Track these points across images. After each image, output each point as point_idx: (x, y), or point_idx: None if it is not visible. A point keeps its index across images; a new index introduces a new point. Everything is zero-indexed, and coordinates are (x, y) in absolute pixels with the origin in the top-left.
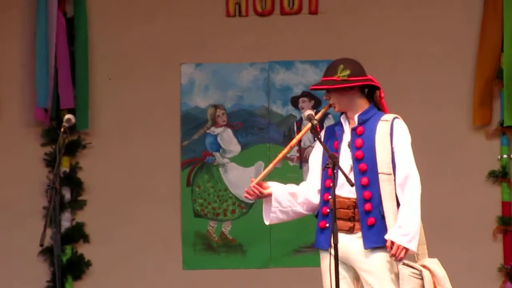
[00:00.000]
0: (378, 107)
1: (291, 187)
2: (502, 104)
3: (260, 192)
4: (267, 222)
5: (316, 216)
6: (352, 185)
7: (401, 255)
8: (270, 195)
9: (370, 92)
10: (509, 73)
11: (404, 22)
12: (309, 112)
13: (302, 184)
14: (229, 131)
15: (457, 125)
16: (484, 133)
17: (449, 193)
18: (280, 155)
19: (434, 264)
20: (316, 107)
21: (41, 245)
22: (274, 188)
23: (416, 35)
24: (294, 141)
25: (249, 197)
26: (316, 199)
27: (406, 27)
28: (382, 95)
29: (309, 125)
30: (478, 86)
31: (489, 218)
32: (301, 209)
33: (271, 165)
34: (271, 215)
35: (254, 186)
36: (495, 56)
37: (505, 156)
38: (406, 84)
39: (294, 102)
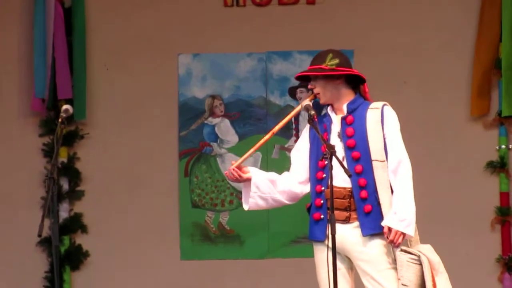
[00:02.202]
0: (363, 98)
1: (271, 174)
2: (500, 94)
3: (239, 175)
4: (246, 208)
5: (308, 209)
6: (350, 175)
7: (399, 241)
8: (249, 179)
9: (355, 86)
10: (507, 63)
11: (402, 12)
12: (306, 102)
13: (285, 174)
14: (226, 122)
15: (455, 116)
16: (482, 123)
17: (447, 184)
18: (262, 141)
19: (428, 250)
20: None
21: (39, 235)
22: (254, 173)
23: (414, 25)
24: (277, 128)
25: (229, 178)
26: (298, 189)
27: (404, 17)
28: (367, 89)
29: (295, 110)
30: (476, 76)
31: (487, 209)
32: (281, 198)
33: (251, 150)
34: (250, 200)
35: (233, 169)
36: (493, 46)
37: (503, 146)
38: (403, 74)
39: (292, 92)
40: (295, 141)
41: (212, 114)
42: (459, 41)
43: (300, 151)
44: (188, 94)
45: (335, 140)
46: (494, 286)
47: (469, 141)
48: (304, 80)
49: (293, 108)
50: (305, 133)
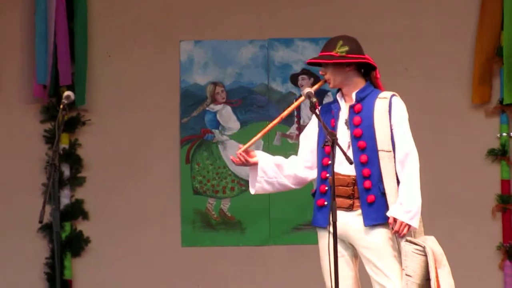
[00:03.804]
0: (374, 86)
1: (278, 158)
2: (502, 82)
3: (246, 160)
4: (252, 192)
5: (313, 195)
6: (351, 163)
7: (404, 232)
8: (256, 163)
9: (366, 72)
10: (509, 51)
11: None
12: (308, 90)
13: (292, 157)
14: (228, 108)
15: (456, 103)
16: (483, 111)
17: (448, 171)
18: (270, 125)
19: (431, 241)
20: (315, 84)
21: (40, 222)
22: (261, 157)
23: (416, 12)
24: (285, 112)
25: (235, 163)
26: (304, 174)
27: (406, 4)
28: (378, 75)
29: (302, 98)
30: (477, 64)
31: (488, 196)
32: (287, 182)
33: (259, 134)
34: (257, 185)
35: (240, 153)
36: (495, 34)
37: (504, 134)
38: (405, 62)
39: (294, 79)
40: (297, 128)
41: (214, 101)
42: (461, 29)
43: (308, 136)
44: (190, 81)
45: (342, 127)
46: (494, 273)
47: (470, 129)
48: (316, 65)
49: (294, 95)
50: (314, 118)
